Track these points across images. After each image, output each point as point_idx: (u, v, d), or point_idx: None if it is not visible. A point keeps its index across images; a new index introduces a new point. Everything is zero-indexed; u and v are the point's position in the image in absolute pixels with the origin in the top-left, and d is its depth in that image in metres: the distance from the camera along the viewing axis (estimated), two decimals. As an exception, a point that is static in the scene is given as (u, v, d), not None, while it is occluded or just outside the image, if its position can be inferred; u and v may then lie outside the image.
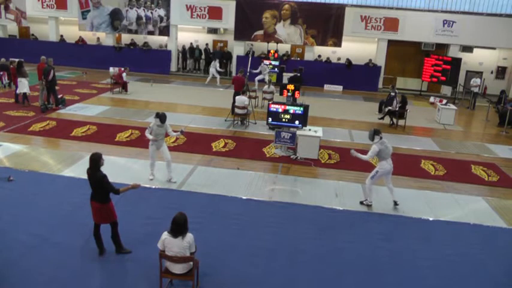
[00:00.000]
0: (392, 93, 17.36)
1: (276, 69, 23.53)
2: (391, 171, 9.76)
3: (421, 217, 9.49)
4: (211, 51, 27.69)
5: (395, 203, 9.88)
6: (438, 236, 8.76)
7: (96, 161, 6.97)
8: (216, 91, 22.21)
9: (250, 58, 18.51)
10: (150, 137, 10.01)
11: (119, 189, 7.08)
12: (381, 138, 9.50)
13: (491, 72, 26.34)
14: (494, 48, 25.45)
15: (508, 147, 15.44)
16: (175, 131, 10.45)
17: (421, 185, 11.40)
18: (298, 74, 21.79)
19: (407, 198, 10.41)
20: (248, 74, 17.13)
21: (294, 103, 13.02)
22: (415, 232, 8.87)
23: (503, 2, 23.42)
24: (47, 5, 26.99)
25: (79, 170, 10.50)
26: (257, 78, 22.16)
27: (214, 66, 23.51)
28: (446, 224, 9.28)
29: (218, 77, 23.68)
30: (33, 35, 29.13)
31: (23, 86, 16.39)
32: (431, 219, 9.45)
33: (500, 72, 26.34)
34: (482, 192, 11.24)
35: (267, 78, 21.63)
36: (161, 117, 9.89)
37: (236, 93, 16.13)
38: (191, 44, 27.76)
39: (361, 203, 9.97)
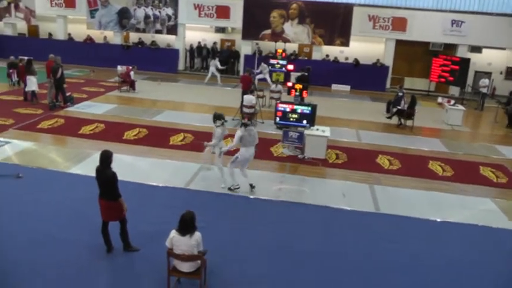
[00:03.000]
0: (400, 93, 17.32)
1: (283, 68, 23.42)
2: (250, 160, 10.00)
3: (428, 218, 9.44)
4: (219, 50, 27.71)
5: (252, 186, 10.07)
6: (445, 238, 8.71)
7: (107, 157, 7.00)
8: (223, 90, 22.21)
9: (257, 57, 18.51)
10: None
11: (120, 195, 7.09)
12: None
13: (501, 73, 26.11)
14: (503, 49, 25.24)
15: (517, 148, 15.35)
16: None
17: (429, 185, 11.34)
18: (306, 74, 21.73)
19: (414, 199, 10.40)
20: (255, 72, 17.14)
21: (301, 102, 13.01)
22: (422, 233, 8.84)
23: (513, 2, 23.31)
24: (55, 3, 27.10)
25: (87, 168, 10.50)
26: (257, 77, 22.11)
27: (214, 65, 23.36)
28: (453, 226, 9.23)
29: (218, 75, 23.47)
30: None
31: (32, 83, 16.51)
32: (438, 220, 9.40)
33: (510, 72, 26.07)
34: (490, 193, 11.17)
35: (268, 77, 21.57)
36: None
37: (244, 92, 16.11)
38: (199, 43, 27.76)
39: (229, 189, 10.07)
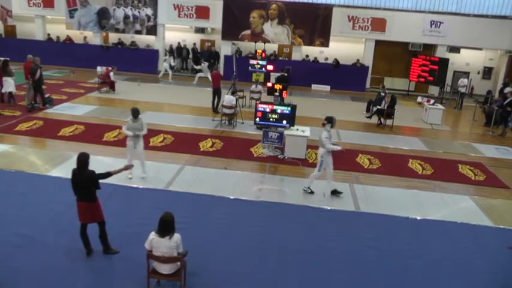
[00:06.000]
0: (383, 93, 17.44)
1: (263, 69, 23.42)
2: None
3: (408, 216, 9.53)
4: (199, 50, 27.65)
5: (130, 177, 10.41)
6: (426, 235, 8.80)
7: (85, 161, 6.93)
8: (203, 90, 22.09)
9: (234, 58, 18.53)
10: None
11: (109, 172, 7.14)
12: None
13: (478, 73, 26.57)
14: (480, 49, 25.68)
15: (495, 146, 15.59)
16: None
17: (409, 184, 11.46)
18: (285, 74, 21.80)
19: (394, 197, 10.49)
20: (235, 73, 17.16)
21: (281, 103, 13.03)
22: (402, 231, 8.91)
23: (490, 3, 23.64)
24: (33, 3, 26.75)
25: (66, 170, 10.29)
26: (198, 75, 23.01)
27: (168, 62, 24.05)
28: (433, 223, 9.34)
29: (170, 72, 24.03)
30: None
31: (9, 85, 16.21)
32: (418, 218, 9.50)
33: (487, 72, 26.60)
34: (469, 191, 11.32)
35: (208, 75, 21.73)
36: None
37: (215, 90, 16.28)
38: (179, 43, 27.66)
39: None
